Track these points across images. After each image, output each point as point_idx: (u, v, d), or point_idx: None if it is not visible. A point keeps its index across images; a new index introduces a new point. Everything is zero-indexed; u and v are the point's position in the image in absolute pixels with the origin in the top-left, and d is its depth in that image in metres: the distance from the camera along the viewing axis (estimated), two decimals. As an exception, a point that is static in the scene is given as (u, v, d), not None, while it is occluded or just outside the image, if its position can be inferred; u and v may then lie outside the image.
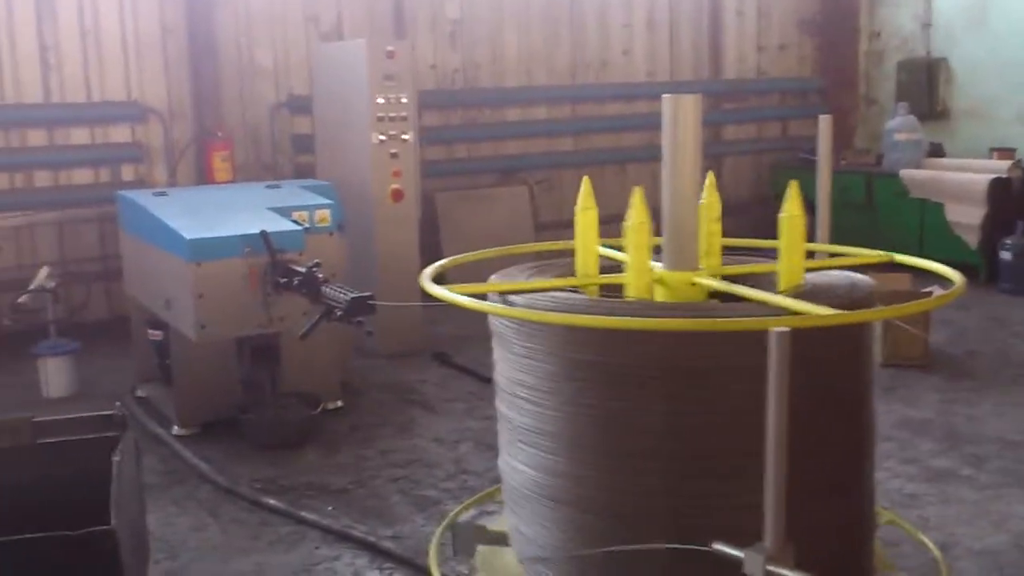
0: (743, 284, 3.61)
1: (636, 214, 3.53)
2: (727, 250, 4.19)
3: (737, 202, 11.30)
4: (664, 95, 3.66)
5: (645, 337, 3.20)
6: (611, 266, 4.06)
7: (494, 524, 4.33)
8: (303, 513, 5.18)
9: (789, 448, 2.74)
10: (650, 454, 3.31)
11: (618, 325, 3.15)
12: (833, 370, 3.43)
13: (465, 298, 3.46)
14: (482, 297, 3.68)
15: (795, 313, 3.09)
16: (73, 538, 3.32)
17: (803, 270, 3.61)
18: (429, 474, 5.74)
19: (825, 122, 4.62)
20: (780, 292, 3.48)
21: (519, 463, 3.70)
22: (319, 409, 6.46)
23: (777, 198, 3.70)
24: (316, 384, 6.62)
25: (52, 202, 9.06)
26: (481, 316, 3.66)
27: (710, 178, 3.91)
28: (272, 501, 5.34)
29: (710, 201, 3.86)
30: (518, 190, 11.15)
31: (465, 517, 4.79)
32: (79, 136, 9.17)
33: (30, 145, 8.97)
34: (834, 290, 3.54)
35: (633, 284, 3.62)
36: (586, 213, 3.82)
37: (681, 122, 3.60)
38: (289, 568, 4.66)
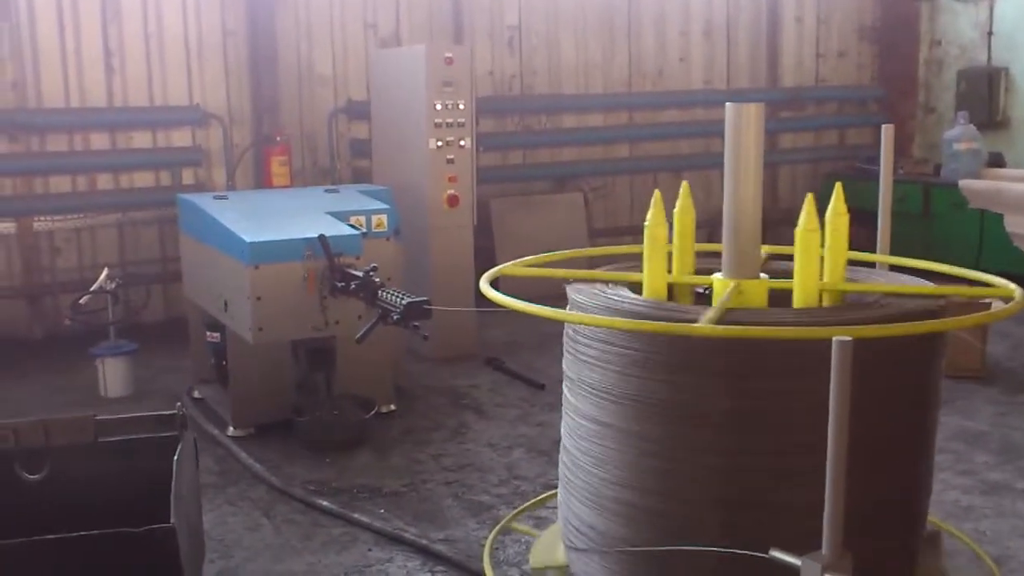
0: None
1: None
2: (777, 257, 4.21)
3: (794, 211, 11.09)
4: (728, 103, 3.66)
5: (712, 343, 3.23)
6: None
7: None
8: (356, 515, 5.21)
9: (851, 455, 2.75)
10: (710, 454, 3.34)
11: (689, 331, 3.17)
12: (900, 380, 3.43)
13: (523, 303, 3.47)
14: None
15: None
16: (135, 535, 3.37)
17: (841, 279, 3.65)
18: (482, 479, 5.75)
19: (888, 132, 4.58)
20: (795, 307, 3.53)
21: (579, 457, 3.73)
22: (373, 412, 6.50)
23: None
24: (370, 387, 6.67)
25: (113, 204, 9.19)
26: (533, 323, 3.67)
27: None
28: (325, 502, 5.38)
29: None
30: (573, 197, 11.16)
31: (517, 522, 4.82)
32: (141, 140, 9.30)
33: (93, 148, 9.11)
34: (906, 300, 3.56)
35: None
36: (656, 229, 3.82)
37: (744, 130, 3.61)
38: (341, 569, 4.70)
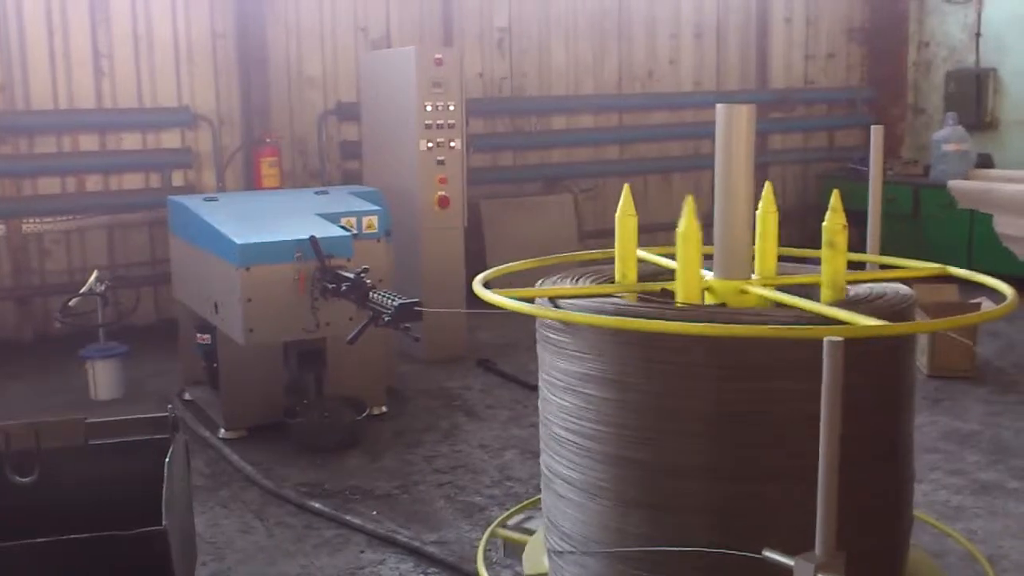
0: (792, 293, 3.60)
1: (687, 222, 3.53)
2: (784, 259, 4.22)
3: (783, 212, 11.05)
4: (719, 104, 3.66)
5: (691, 341, 3.22)
6: (652, 272, 4.09)
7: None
8: (348, 517, 5.21)
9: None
10: (695, 457, 3.33)
11: (665, 329, 3.16)
12: (872, 380, 3.43)
13: (515, 302, 3.46)
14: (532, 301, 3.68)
15: (841, 323, 3.10)
16: (127, 538, 3.36)
17: (845, 280, 3.63)
18: (474, 480, 5.76)
19: (877, 133, 4.58)
20: (824, 302, 3.49)
21: (561, 460, 3.71)
22: (364, 414, 6.50)
23: (824, 208, 3.72)
24: (362, 389, 6.66)
25: (102, 206, 9.18)
26: (525, 324, 3.66)
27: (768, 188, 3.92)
28: (318, 505, 5.38)
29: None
30: (563, 198, 11.16)
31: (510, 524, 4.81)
32: (130, 141, 9.29)
33: (83, 150, 9.09)
34: (877, 300, 3.55)
35: (683, 290, 3.62)
36: (627, 220, 3.82)
37: (735, 131, 3.61)
38: (335, 571, 4.69)
